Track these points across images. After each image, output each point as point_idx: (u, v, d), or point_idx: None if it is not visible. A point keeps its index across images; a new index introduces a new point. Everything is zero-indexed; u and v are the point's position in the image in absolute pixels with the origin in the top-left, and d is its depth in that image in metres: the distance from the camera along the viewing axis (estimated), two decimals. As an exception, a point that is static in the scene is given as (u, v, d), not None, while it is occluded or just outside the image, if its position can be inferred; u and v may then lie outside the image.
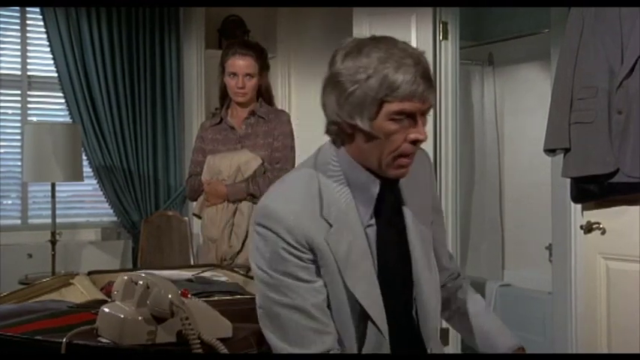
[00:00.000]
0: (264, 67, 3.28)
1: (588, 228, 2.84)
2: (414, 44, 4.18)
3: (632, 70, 2.59)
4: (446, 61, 4.02)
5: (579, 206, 3.00)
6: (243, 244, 3.15)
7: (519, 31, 4.73)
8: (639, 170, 2.56)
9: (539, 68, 4.73)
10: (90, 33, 4.54)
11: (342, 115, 1.54)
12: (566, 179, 2.87)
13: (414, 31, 3.97)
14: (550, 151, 2.87)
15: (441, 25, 3.99)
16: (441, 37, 4.00)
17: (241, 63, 3.20)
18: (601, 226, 2.80)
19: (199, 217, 3.36)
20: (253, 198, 3.18)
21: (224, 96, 3.32)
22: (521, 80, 4.99)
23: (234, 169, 3.15)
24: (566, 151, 2.78)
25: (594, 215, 2.83)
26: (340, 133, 1.58)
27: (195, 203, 3.43)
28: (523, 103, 4.94)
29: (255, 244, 1.55)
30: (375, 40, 1.55)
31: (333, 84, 1.55)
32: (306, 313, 1.49)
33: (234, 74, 3.20)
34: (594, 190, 2.76)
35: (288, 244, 1.50)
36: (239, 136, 3.24)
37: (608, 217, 2.77)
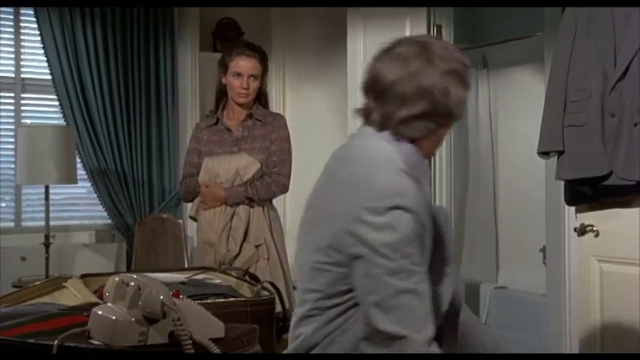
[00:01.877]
0: (265, 70, 3.29)
1: (582, 230, 2.84)
2: (408, 47, 4.17)
3: (625, 72, 2.60)
4: (440, 63, 4.02)
5: (573, 209, 3.00)
6: (240, 247, 3.14)
7: (513, 33, 4.74)
8: (632, 172, 2.56)
9: (533, 71, 4.74)
10: (84, 36, 4.54)
11: (446, 109, 1.62)
12: (560, 182, 2.88)
13: (408, 34, 3.95)
14: (544, 153, 2.88)
15: (435, 28, 3.99)
16: (435, 40, 4.00)
17: (247, 64, 3.20)
18: (594, 228, 2.81)
19: (195, 220, 3.33)
20: (251, 202, 3.17)
21: (221, 97, 3.32)
22: (515, 83, 5.00)
23: (232, 173, 3.14)
24: (560, 153, 2.79)
25: (588, 218, 2.84)
26: (429, 125, 1.63)
27: (190, 205, 3.42)
28: (517, 105, 4.95)
29: (376, 228, 1.50)
30: None
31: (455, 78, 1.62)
32: (423, 298, 1.50)
33: (239, 74, 3.19)
34: (588, 193, 2.77)
35: (418, 223, 1.51)
36: (235, 139, 3.23)
37: (602, 219, 2.78)
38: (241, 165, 3.15)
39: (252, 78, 3.20)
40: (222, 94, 3.31)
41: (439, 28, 4.01)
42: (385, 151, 1.62)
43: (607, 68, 2.65)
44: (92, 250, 4.66)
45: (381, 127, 1.65)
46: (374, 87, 1.67)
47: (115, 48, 4.63)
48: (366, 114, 1.70)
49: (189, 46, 4.90)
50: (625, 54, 2.60)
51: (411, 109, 1.61)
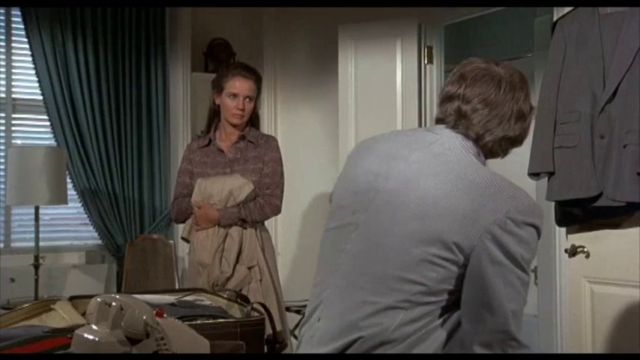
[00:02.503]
0: (259, 92, 3.32)
1: (573, 251, 2.85)
2: (399, 68, 4.25)
3: (614, 94, 2.62)
4: (431, 84, 4.05)
5: (564, 230, 3.01)
6: (233, 269, 3.13)
7: (503, 55, 4.77)
8: (622, 194, 2.57)
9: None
10: (75, 55, 4.54)
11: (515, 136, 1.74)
12: (550, 203, 2.88)
13: (399, 55, 3.99)
14: (534, 174, 2.89)
15: (425, 50, 4.02)
16: (425, 61, 4.03)
17: (244, 85, 3.22)
18: (585, 249, 2.81)
19: (187, 241, 3.32)
20: (244, 223, 3.17)
21: (213, 117, 3.32)
22: (506, 104, 5.01)
23: (225, 194, 3.14)
24: (550, 174, 2.80)
25: (578, 239, 2.85)
26: (499, 147, 1.73)
27: (182, 226, 3.40)
28: (508, 126, 4.96)
29: (519, 240, 1.57)
30: None
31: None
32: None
33: (235, 95, 3.21)
34: (578, 214, 2.77)
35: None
36: (228, 160, 3.23)
37: (592, 240, 2.78)
38: (235, 186, 3.15)
39: (247, 99, 3.22)
40: (214, 115, 3.31)
41: (430, 49, 4.04)
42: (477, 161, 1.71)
43: (596, 90, 2.67)
44: (82, 271, 4.63)
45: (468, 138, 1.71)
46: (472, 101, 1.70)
47: (106, 68, 4.63)
48: (455, 124, 1.72)
49: (181, 67, 4.90)
50: (614, 76, 2.62)
51: (509, 131, 1.71)
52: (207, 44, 5.06)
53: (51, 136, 4.54)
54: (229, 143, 3.26)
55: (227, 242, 3.15)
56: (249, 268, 3.15)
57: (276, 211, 3.28)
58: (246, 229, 3.18)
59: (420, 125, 3.98)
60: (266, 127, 5.05)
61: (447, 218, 1.57)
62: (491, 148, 1.72)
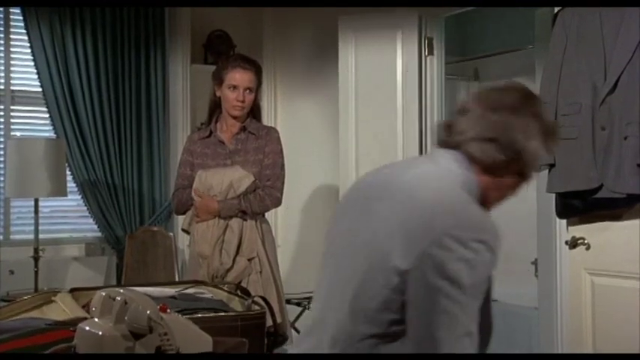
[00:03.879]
0: (259, 84, 3.31)
1: (573, 243, 2.85)
2: (399, 60, 4.24)
3: (614, 86, 2.62)
4: (432, 76, 4.04)
5: (564, 222, 3.01)
6: (233, 260, 3.13)
7: (504, 46, 4.76)
8: (622, 185, 2.57)
9: (524, 83, 4.74)
10: (74, 47, 4.52)
11: (523, 151, 1.56)
12: (551, 195, 2.88)
13: (400, 47, 3.98)
14: (535, 166, 2.88)
15: (426, 41, 4.01)
16: (426, 53, 4.02)
17: (243, 76, 3.21)
18: (586, 241, 2.81)
19: (187, 233, 3.32)
20: (244, 215, 3.17)
21: (214, 109, 3.31)
22: (507, 96, 5.00)
23: (226, 185, 3.14)
24: (551, 166, 2.80)
25: (579, 231, 2.85)
26: (501, 163, 1.56)
27: (182, 218, 3.40)
28: (508, 118, 4.95)
29: (459, 260, 1.41)
30: None
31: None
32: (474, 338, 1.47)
33: (235, 87, 3.20)
34: (579, 206, 2.77)
35: (492, 265, 1.46)
36: (229, 151, 3.23)
37: (593, 232, 2.78)
38: (235, 178, 3.15)
39: (247, 91, 3.22)
40: (215, 107, 3.31)
41: (430, 40, 4.03)
42: (461, 177, 1.56)
43: (597, 82, 2.66)
44: (82, 263, 4.63)
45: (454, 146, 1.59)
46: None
47: (105, 60, 4.61)
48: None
49: (181, 58, 4.88)
50: (615, 68, 2.62)
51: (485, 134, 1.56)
52: (206, 36, 5.04)
53: (50, 128, 4.53)
54: (230, 135, 3.26)
55: (227, 234, 3.15)
56: (249, 260, 3.15)
57: (277, 203, 3.28)
58: (246, 220, 3.18)
59: (419, 116, 3.97)
60: (266, 119, 5.01)
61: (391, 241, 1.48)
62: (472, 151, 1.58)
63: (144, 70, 4.76)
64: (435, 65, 4.05)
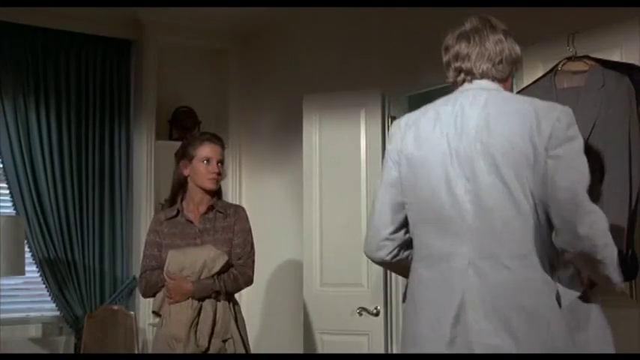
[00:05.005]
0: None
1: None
2: (363, 138, 4.28)
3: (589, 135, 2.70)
4: (395, 154, 4.06)
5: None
6: (209, 342, 3.05)
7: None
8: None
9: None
10: (38, 123, 4.50)
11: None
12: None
13: (363, 126, 4.01)
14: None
15: (389, 120, 4.05)
16: (390, 132, 4.05)
17: (215, 149, 3.23)
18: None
19: (158, 315, 3.18)
20: (217, 295, 3.11)
21: (179, 188, 3.27)
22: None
23: (199, 265, 3.08)
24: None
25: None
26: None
27: (143, 298, 3.31)
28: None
29: None
30: None
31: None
32: None
33: (209, 160, 3.19)
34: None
35: None
36: (198, 231, 3.19)
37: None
38: (209, 258, 3.10)
39: (219, 164, 3.22)
40: (180, 186, 3.27)
41: (394, 119, 4.07)
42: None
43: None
44: (39, 344, 4.48)
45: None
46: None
47: (69, 135, 4.59)
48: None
49: (145, 134, 4.86)
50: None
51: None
52: (172, 112, 5.05)
53: (9, 204, 4.45)
54: (197, 214, 3.23)
55: (202, 315, 3.08)
56: (224, 341, 3.08)
57: (249, 282, 3.25)
58: (219, 301, 3.12)
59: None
60: (231, 194, 5.01)
61: None
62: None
63: (108, 145, 4.74)
64: (398, 143, 4.08)
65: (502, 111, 1.97)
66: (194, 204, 3.24)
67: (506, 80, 2.11)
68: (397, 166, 2.10)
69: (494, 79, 2.06)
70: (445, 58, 2.13)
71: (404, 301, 2.14)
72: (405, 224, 2.13)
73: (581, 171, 1.89)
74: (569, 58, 2.87)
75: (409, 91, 4.11)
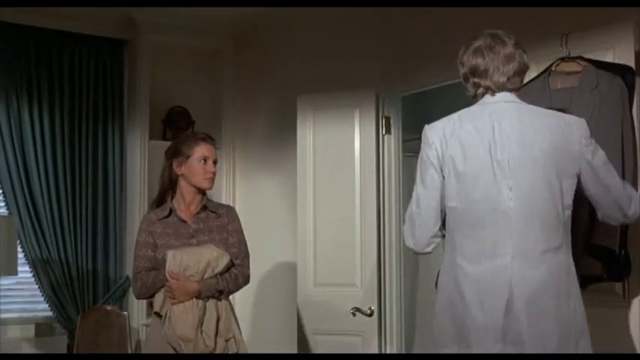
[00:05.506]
0: None
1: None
2: (357, 139, 4.27)
3: None
4: (389, 154, 4.07)
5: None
6: (215, 342, 3.03)
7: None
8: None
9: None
10: (31, 122, 4.49)
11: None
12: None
13: (358, 126, 4.02)
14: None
15: (383, 120, 4.06)
16: (384, 132, 4.06)
17: (210, 149, 3.23)
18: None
19: (160, 316, 3.10)
20: (220, 294, 3.10)
21: (169, 188, 3.26)
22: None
23: (203, 265, 3.06)
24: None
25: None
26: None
27: (137, 299, 3.27)
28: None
29: None
30: None
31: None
32: None
33: (206, 159, 3.19)
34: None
35: None
36: (192, 230, 3.17)
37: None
38: (212, 257, 3.08)
39: (214, 163, 3.22)
40: (170, 185, 3.26)
41: (388, 119, 4.08)
42: None
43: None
44: (31, 344, 4.46)
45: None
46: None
47: (62, 135, 4.58)
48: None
49: (139, 134, 4.84)
50: None
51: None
52: (166, 112, 5.04)
53: (2, 204, 4.43)
54: (190, 214, 3.21)
55: (207, 315, 3.06)
56: (226, 341, 3.07)
57: (247, 280, 3.25)
58: (220, 300, 3.11)
59: (377, 194, 3.99)
60: (224, 195, 5.01)
61: None
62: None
63: (101, 145, 4.73)
64: (392, 143, 4.09)
65: (535, 124, 2.29)
66: (185, 203, 3.22)
67: (519, 89, 2.40)
68: (440, 171, 2.37)
69: (510, 90, 2.36)
70: (462, 71, 2.44)
71: (436, 287, 2.43)
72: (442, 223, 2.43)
73: (614, 171, 2.35)
74: (562, 59, 2.88)
75: (403, 92, 4.12)
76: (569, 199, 2.27)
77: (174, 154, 3.24)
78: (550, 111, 2.39)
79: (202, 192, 3.24)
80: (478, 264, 2.27)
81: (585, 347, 2.24)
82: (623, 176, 2.59)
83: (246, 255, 3.25)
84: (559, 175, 2.25)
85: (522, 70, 2.38)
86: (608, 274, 2.69)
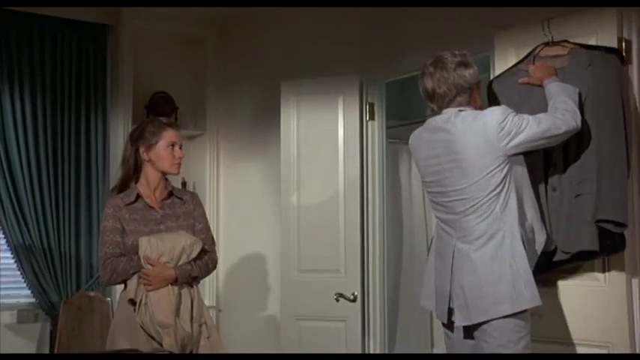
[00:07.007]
0: None
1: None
2: (341, 125, 4.28)
3: (564, 148, 2.72)
4: (372, 140, 4.08)
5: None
6: (191, 327, 3.05)
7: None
8: (572, 245, 2.70)
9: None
10: (12, 108, 4.45)
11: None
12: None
13: (341, 112, 4.02)
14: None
15: (367, 106, 4.06)
16: (367, 118, 4.07)
17: (177, 134, 3.24)
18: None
19: (134, 303, 3.06)
20: (193, 280, 3.12)
21: (133, 173, 3.22)
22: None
23: (177, 252, 3.06)
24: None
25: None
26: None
27: (124, 286, 3.19)
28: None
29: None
30: None
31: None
32: None
33: (173, 145, 3.19)
34: (541, 265, 2.78)
35: None
36: (160, 217, 3.17)
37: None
38: (187, 244, 3.10)
39: (180, 148, 3.22)
40: (134, 171, 3.22)
41: (372, 106, 4.09)
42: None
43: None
44: (13, 330, 4.44)
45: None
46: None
47: (44, 120, 4.54)
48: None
49: (122, 120, 4.80)
50: None
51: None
52: (148, 97, 5.02)
53: (-17, 190, 4.40)
54: (155, 200, 3.20)
55: (183, 301, 3.07)
56: (199, 326, 3.09)
57: (215, 266, 3.32)
58: (192, 287, 3.12)
59: (361, 180, 4.00)
60: (208, 181, 5.01)
61: None
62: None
63: (84, 130, 4.70)
64: (376, 130, 4.10)
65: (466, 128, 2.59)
66: (150, 189, 3.20)
67: (469, 103, 2.66)
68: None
69: (458, 105, 2.64)
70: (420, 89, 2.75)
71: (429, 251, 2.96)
72: None
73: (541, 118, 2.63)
74: (546, 44, 2.89)
75: (386, 78, 4.13)
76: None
77: (140, 140, 3.20)
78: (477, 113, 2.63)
79: (166, 178, 3.25)
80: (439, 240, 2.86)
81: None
82: (626, 149, 2.62)
83: (212, 241, 3.30)
84: (490, 164, 2.57)
85: (464, 87, 2.63)
86: (603, 248, 2.69)
